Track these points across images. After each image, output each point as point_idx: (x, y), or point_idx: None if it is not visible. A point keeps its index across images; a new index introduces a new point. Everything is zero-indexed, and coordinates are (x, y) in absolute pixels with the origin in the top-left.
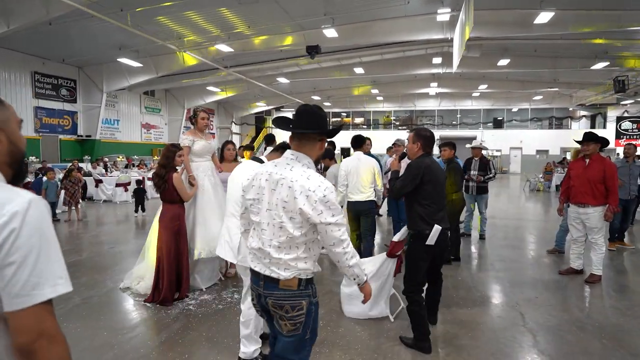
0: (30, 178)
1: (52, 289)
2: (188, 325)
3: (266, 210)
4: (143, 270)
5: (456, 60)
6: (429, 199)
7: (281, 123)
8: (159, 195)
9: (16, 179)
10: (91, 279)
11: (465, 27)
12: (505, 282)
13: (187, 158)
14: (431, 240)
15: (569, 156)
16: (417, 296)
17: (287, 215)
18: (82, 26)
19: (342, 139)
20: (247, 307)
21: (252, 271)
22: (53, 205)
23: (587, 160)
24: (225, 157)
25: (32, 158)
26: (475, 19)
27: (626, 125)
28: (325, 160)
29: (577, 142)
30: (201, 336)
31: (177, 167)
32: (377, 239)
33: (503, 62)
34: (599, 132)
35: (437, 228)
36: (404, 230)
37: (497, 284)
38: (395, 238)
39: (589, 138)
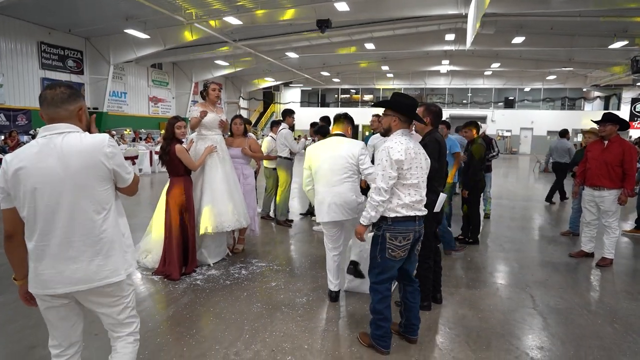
0: None
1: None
2: (196, 301)
3: (422, 173)
4: (150, 244)
5: (470, 36)
6: (440, 172)
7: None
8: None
9: None
10: None
11: (483, 1)
12: (514, 264)
13: (193, 123)
14: (437, 207)
15: (580, 138)
16: (430, 261)
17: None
18: None
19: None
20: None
21: (410, 218)
22: None
23: (606, 142)
24: (234, 132)
25: (40, 129)
26: None
27: None
28: (319, 136)
29: (594, 122)
30: (209, 311)
31: (182, 140)
32: None
33: (518, 39)
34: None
35: (443, 196)
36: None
37: (506, 265)
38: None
39: (607, 119)
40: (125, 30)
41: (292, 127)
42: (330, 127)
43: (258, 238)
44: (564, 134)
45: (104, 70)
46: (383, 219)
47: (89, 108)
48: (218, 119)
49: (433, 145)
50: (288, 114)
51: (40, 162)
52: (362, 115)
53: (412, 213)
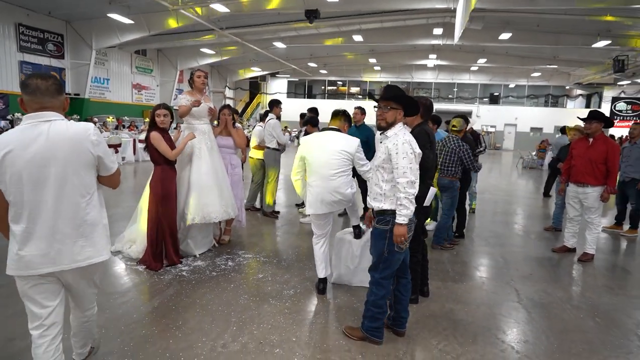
0: None
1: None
2: (181, 292)
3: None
4: (135, 234)
5: (458, 31)
6: (429, 165)
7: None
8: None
9: None
10: None
11: None
12: (499, 258)
13: (182, 110)
14: (427, 201)
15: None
16: (419, 255)
17: None
18: None
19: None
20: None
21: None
22: None
23: (591, 140)
24: (222, 122)
25: (18, 115)
26: None
27: (621, 106)
28: (308, 127)
29: (580, 119)
30: (195, 303)
31: (165, 128)
32: None
33: (505, 35)
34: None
35: (433, 190)
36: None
37: (492, 259)
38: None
39: (592, 116)
40: (109, 15)
41: (279, 118)
42: (328, 122)
43: (244, 229)
44: (564, 130)
45: (85, 55)
46: (391, 212)
47: (69, 94)
48: (207, 107)
49: (423, 137)
50: (275, 104)
51: (27, 148)
52: (349, 108)
53: (413, 206)
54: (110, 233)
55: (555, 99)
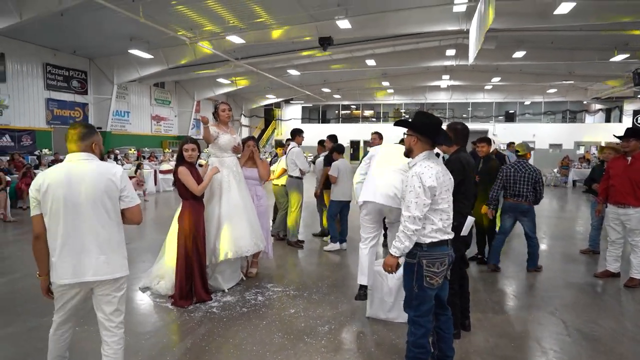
0: (42, 170)
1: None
2: (213, 331)
3: (450, 195)
4: (162, 270)
5: (473, 52)
6: (466, 193)
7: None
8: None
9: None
10: None
11: (486, 17)
12: (538, 285)
13: (207, 132)
14: (465, 231)
15: (582, 150)
16: (455, 285)
17: None
18: (93, 17)
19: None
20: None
21: (444, 242)
22: None
23: (629, 159)
24: (246, 153)
25: (45, 150)
26: (496, 10)
27: None
28: (335, 154)
29: (617, 137)
30: (228, 342)
31: (192, 162)
32: None
33: (518, 54)
34: (615, 126)
35: (470, 219)
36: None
37: (530, 286)
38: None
39: (630, 134)
40: (129, 51)
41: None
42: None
43: (270, 260)
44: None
45: (107, 90)
46: (417, 245)
47: None
48: (233, 142)
49: (457, 166)
50: (298, 133)
51: (65, 180)
52: (363, 131)
53: (445, 237)
54: (135, 266)
55: (573, 114)
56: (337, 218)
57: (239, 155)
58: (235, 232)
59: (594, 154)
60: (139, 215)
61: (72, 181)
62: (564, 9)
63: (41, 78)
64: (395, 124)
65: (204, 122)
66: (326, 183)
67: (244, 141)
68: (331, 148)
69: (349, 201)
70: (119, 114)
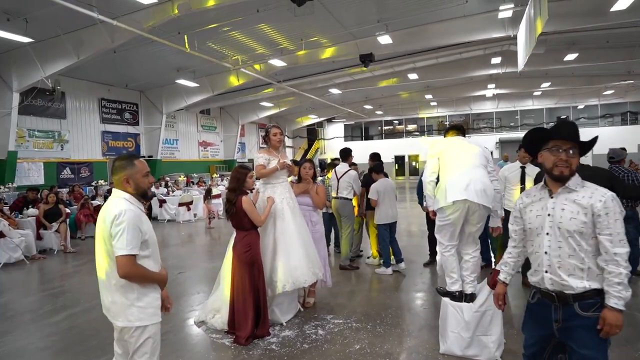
0: (99, 201)
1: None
2: None
3: None
4: (219, 303)
5: (522, 58)
6: None
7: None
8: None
9: (144, 200)
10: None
11: (536, 21)
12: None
13: (264, 172)
14: None
15: None
16: None
17: None
18: (143, 52)
19: (394, 148)
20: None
21: None
22: None
23: None
24: (302, 177)
25: (101, 181)
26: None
27: None
28: (374, 174)
29: None
30: None
31: (247, 191)
32: None
33: (570, 56)
34: None
35: None
36: None
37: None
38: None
39: None
40: (176, 81)
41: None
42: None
43: (326, 288)
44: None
45: (157, 120)
46: (598, 292)
47: (143, 156)
48: (286, 165)
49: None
50: (349, 153)
51: (100, 217)
52: (407, 146)
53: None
54: (189, 298)
55: (634, 115)
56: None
57: (291, 178)
58: (291, 263)
59: None
60: (121, 269)
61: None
62: (622, 4)
63: (97, 112)
64: (565, 137)
65: (282, 167)
66: (367, 204)
67: (300, 164)
68: (368, 169)
69: (395, 222)
70: (168, 142)
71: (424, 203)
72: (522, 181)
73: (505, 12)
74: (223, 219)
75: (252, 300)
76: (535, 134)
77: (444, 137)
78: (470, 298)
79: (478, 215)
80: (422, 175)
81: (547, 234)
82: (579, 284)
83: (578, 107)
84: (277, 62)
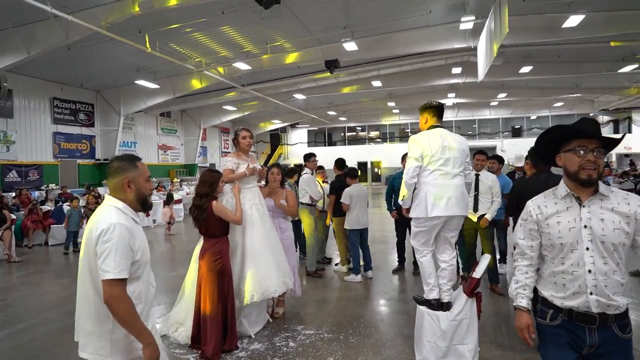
0: (49, 206)
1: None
2: None
3: None
4: (182, 315)
5: (483, 69)
6: None
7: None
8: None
9: (143, 209)
10: None
11: (496, 34)
12: None
13: (232, 176)
14: None
15: None
16: None
17: None
18: (99, 50)
19: (357, 155)
20: None
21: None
22: (75, 235)
23: None
24: (270, 183)
25: (52, 185)
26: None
27: None
28: (348, 178)
29: None
30: None
31: (216, 197)
32: None
33: (525, 69)
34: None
35: None
36: (484, 263)
37: None
38: (477, 274)
39: None
40: (136, 82)
41: (313, 171)
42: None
43: (295, 298)
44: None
45: (114, 122)
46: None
47: (99, 159)
48: (256, 170)
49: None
50: (308, 158)
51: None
52: (370, 152)
53: None
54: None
55: None
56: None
57: (261, 183)
58: (261, 272)
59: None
60: (105, 294)
61: (88, 227)
62: (573, 22)
63: (48, 112)
64: (592, 136)
65: (251, 173)
66: (336, 210)
67: (268, 169)
68: (343, 173)
69: (367, 228)
70: (126, 144)
71: (400, 202)
72: (476, 188)
73: (467, 23)
74: (182, 224)
75: (220, 311)
76: (555, 133)
77: (422, 116)
78: (447, 307)
79: (456, 221)
80: (391, 181)
81: (587, 249)
82: (624, 301)
83: (531, 118)
84: (242, 66)
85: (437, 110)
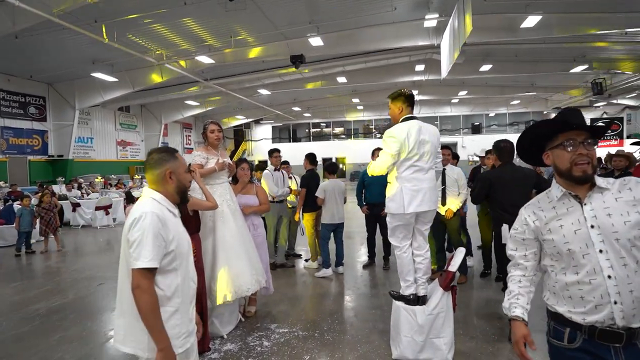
0: None
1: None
2: None
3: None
4: None
5: (446, 66)
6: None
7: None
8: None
9: (182, 200)
10: (84, 329)
11: (461, 32)
12: None
13: (199, 175)
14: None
15: None
16: None
17: None
18: (51, 39)
19: (321, 151)
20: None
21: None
22: (28, 235)
23: None
24: (240, 178)
25: (0, 183)
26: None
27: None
28: (326, 174)
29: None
30: None
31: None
32: None
33: (485, 67)
34: None
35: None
36: (460, 257)
37: None
38: (453, 268)
39: None
40: (92, 74)
41: (277, 167)
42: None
43: (266, 295)
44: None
45: (68, 116)
46: None
47: (52, 156)
48: (226, 164)
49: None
50: (270, 153)
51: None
52: (335, 148)
53: None
54: (109, 311)
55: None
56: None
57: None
58: (233, 270)
59: None
60: (133, 282)
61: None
62: (530, 22)
63: None
64: (579, 127)
65: (221, 168)
66: (306, 205)
67: (237, 164)
68: (324, 167)
69: (342, 223)
70: (81, 140)
71: (374, 173)
72: (443, 182)
73: (431, 21)
74: None
75: (204, 311)
76: (538, 130)
77: (394, 104)
78: (423, 300)
79: (430, 214)
80: (361, 176)
81: (601, 251)
82: None
83: (490, 115)
84: (205, 59)
85: (411, 100)
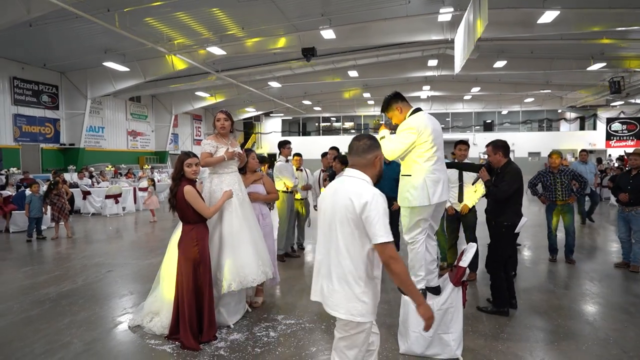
0: (10, 191)
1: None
2: None
3: None
4: (158, 304)
5: (459, 62)
6: (520, 197)
7: None
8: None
9: (376, 184)
10: (92, 314)
11: (475, 27)
12: (575, 305)
13: (209, 160)
14: (519, 228)
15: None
16: (501, 272)
17: None
18: (65, 28)
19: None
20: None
21: None
22: (38, 221)
23: None
24: (248, 168)
25: (13, 169)
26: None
27: (616, 126)
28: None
29: None
30: None
31: (194, 180)
32: None
33: (499, 63)
34: (590, 133)
35: (525, 219)
36: (471, 252)
37: (566, 307)
38: (464, 263)
39: None
40: (104, 63)
41: (288, 159)
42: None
43: (274, 286)
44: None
45: (80, 105)
46: None
47: (64, 144)
48: (236, 154)
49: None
50: (282, 145)
51: (326, 195)
52: (344, 143)
53: None
54: (125, 300)
55: (550, 122)
56: None
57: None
58: (239, 260)
59: (572, 161)
60: (383, 255)
61: (333, 197)
62: (547, 17)
63: (7, 93)
64: None
65: (230, 157)
66: None
67: (246, 153)
68: (339, 160)
69: None
70: (92, 129)
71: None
72: (460, 178)
73: (445, 15)
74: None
75: (201, 300)
76: None
77: (393, 111)
78: (437, 290)
79: (443, 206)
80: None
81: None
82: None
83: (502, 113)
84: (216, 51)
85: (400, 96)
